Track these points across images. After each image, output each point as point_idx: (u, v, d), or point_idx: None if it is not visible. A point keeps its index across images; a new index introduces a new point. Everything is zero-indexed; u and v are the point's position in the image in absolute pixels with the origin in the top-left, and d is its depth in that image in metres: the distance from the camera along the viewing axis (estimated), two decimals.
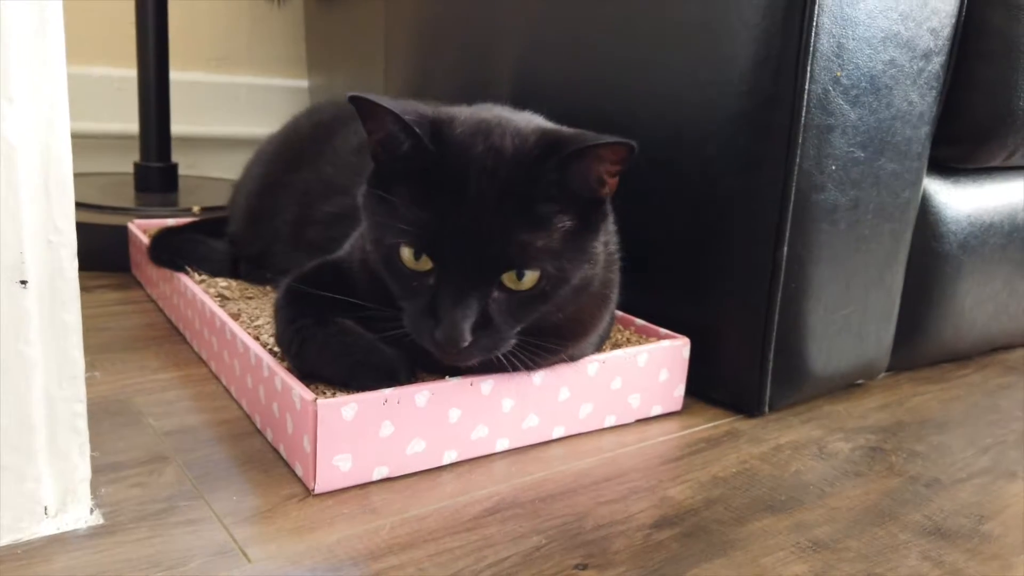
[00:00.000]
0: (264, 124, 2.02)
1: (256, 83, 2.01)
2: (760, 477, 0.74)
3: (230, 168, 1.95)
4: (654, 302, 0.93)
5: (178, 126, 1.57)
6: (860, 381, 0.99)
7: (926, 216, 0.96)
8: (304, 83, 2.05)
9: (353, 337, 0.69)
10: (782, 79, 0.78)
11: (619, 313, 0.91)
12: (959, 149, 0.97)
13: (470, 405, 0.71)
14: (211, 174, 1.87)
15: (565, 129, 0.67)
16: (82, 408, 0.58)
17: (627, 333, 0.91)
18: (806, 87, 0.77)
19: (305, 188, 0.94)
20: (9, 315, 0.54)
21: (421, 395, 0.68)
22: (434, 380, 0.70)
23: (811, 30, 0.76)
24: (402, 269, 0.63)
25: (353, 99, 0.60)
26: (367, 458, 0.67)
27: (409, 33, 1.39)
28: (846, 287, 0.88)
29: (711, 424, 0.85)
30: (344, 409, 0.64)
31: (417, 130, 0.60)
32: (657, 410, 0.86)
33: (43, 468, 0.57)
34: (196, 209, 1.40)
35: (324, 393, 0.68)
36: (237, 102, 1.99)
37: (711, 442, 0.81)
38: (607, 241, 0.71)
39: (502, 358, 0.67)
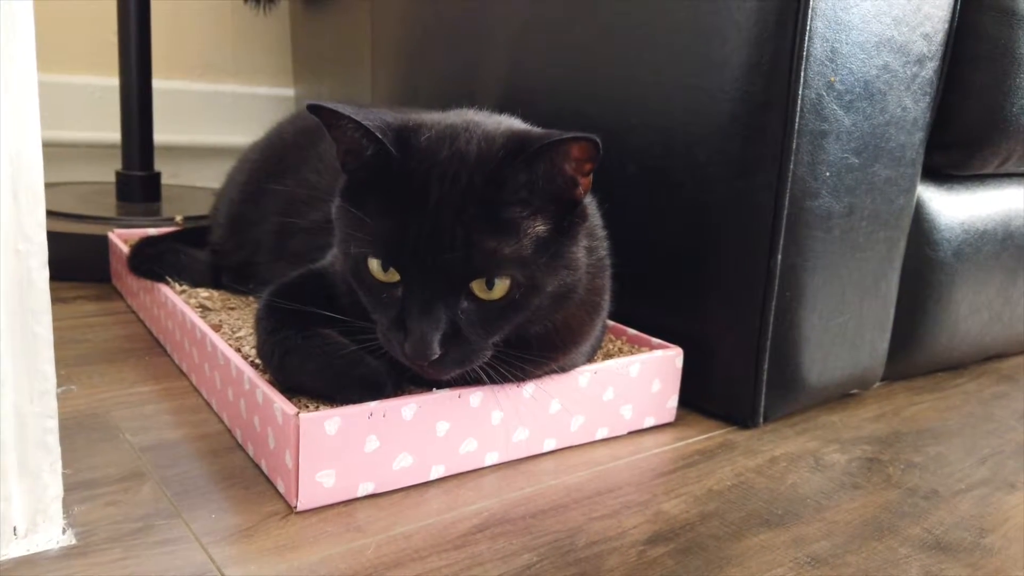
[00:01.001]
0: (249, 133, 1.98)
1: (241, 92, 1.99)
2: (756, 490, 0.72)
3: (214, 177, 1.92)
4: (646, 311, 0.91)
5: (161, 135, 1.55)
6: (855, 391, 0.98)
7: (920, 223, 0.95)
8: (290, 92, 2.03)
9: (336, 348, 0.67)
10: (775, 84, 0.77)
11: (611, 323, 0.90)
12: (953, 155, 0.96)
13: (459, 418, 0.69)
14: (195, 183, 1.85)
15: (534, 129, 0.66)
16: (54, 424, 0.56)
17: (619, 343, 0.89)
18: (799, 92, 0.76)
19: (289, 196, 0.92)
20: None
21: (408, 408, 0.66)
22: (421, 392, 0.68)
23: (804, 35, 0.75)
24: (371, 281, 0.62)
25: (312, 108, 0.59)
26: (352, 474, 0.65)
27: (395, 42, 1.37)
28: (841, 295, 0.87)
29: (705, 436, 0.84)
30: (327, 423, 0.62)
31: (379, 135, 0.59)
32: (650, 422, 0.84)
33: (12, 487, 0.55)
34: (179, 219, 1.37)
35: (307, 407, 0.66)
36: (222, 111, 1.97)
37: (705, 454, 0.79)
38: (591, 247, 0.68)
39: (486, 370, 0.65)
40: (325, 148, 0.93)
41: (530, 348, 0.68)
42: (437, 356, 0.59)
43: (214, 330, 0.83)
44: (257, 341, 0.72)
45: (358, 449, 0.64)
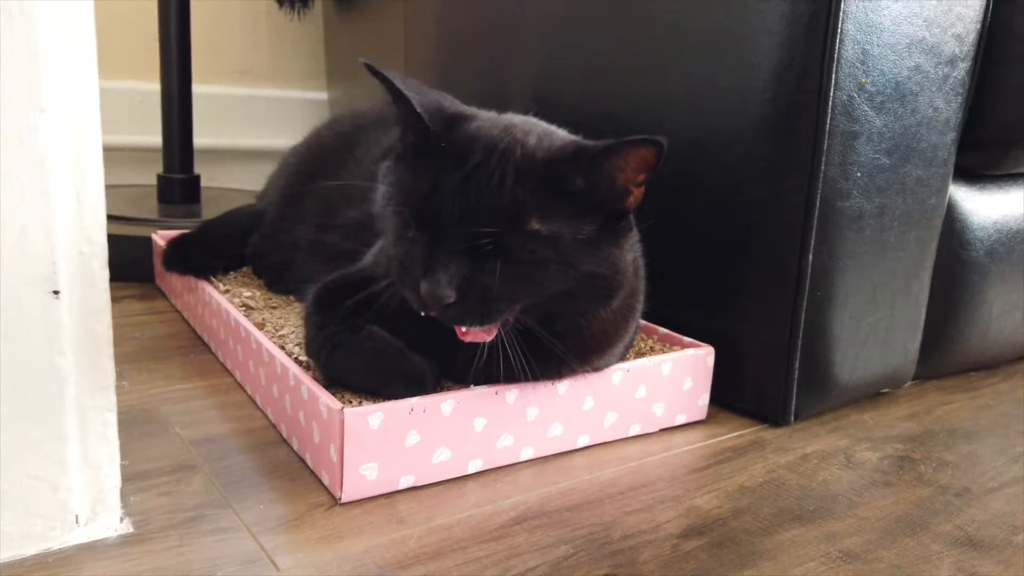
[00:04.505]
0: (284, 136, 2.04)
1: (276, 96, 2.03)
2: (788, 486, 0.74)
3: (250, 179, 1.97)
4: (677, 310, 0.92)
5: (200, 138, 1.59)
6: (886, 390, 0.98)
7: (952, 223, 0.95)
8: (324, 95, 2.07)
9: (382, 345, 0.69)
10: (806, 86, 0.78)
11: (642, 322, 0.91)
12: (985, 155, 0.96)
13: (495, 414, 0.71)
14: (232, 185, 1.89)
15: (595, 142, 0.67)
16: (113, 418, 0.59)
17: (650, 342, 0.91)
18: (831, 94, 0.77)
19: (326, 197, 0.95)
20: (42, 325, 0.54)
21: (447, 404, 0.68)
22: (459, 389, 0.70)
23: (836, 37, 0.75)
24: (401, 233, 0.63)
25: (372, 70, 0.63)
26: (393, 467, 0.67)
27: (429, 46, 1.40)
28: (872, 295, 0.88)
29: (736, 433, 0.85)
30: (371, 418, 0.64)
31: (422, 114, 0.62)
32: (681, 419, 0.85)
33: (75, 478, 0.58)
34: None
35: (350, 402, 0.68)
36: (258, 114, 2.01)
37: (737, 451, 0.81)
38: (635, 258, 0.70)
39: (520, 365, 0.67)
40: (361, 153, 0.96)
41: (565, 345, 0.69)
42: (452, 300, 0.60)
43: (257, 328, 0.86)
44: (305, 337, 0.74)
45: (399, 443, 0.66)
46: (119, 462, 0.60)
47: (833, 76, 0.76)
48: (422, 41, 1.42)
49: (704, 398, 0.86)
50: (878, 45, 0.78)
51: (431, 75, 1.40)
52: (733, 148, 0.85)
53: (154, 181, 1.57)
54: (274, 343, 0.81)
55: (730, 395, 0.90)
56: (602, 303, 0.69)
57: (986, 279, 1.00)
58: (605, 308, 0.70)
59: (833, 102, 0.77)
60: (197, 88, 1.55)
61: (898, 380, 0.97)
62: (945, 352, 1.01)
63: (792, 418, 0.87)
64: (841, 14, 0.75)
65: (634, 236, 0.73)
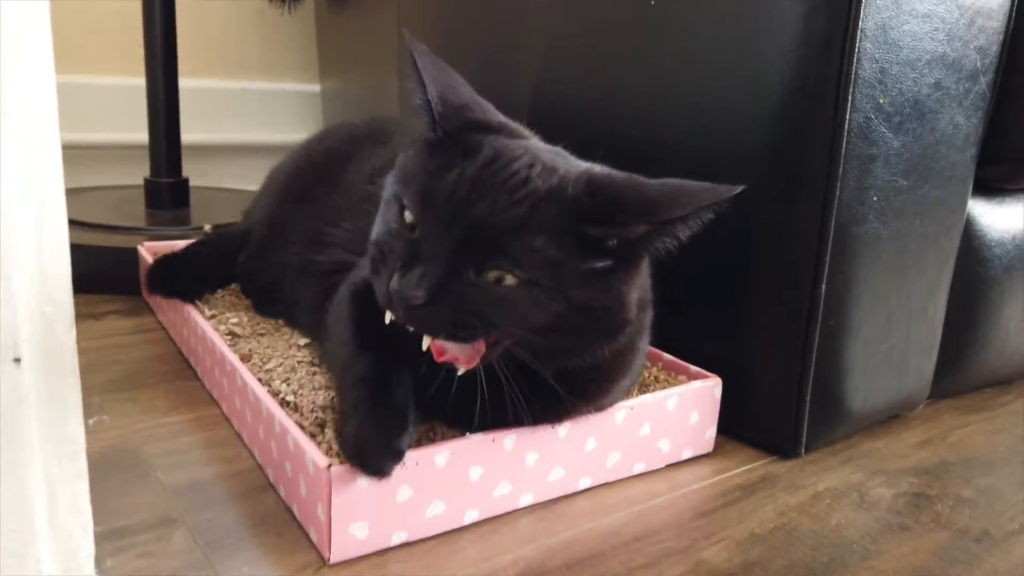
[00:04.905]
0: (275, 130, 1.99)
1: (267, 89, 1.98)
2: (800, 534, 0.70)
3: (241, 175, 1.92)
4: (683, 336, 0.88)
5: (189, 134, 1.53)
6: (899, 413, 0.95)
7: (970, 240, 0.91)
8: (316, 87, 2.01)
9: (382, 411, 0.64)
10: (821, 108, 0.73)
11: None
12: (1005, 169, 0.92)
13: (492, 462, 0.67)
14: (222, 182, 1.84)
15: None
16: (84, 487, 0.55)
17: (655, 370, 0.87)
18: (847, 116, 0.73)
19: (316, 218, 0.91)
20: (3, 395, 0.50)
21: (440, 456, 0.64)
22: (454, 438, 0.66)
23: (852, 57, 0.71)
24: (398, 220, 0.59)
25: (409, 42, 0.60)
26: (385, 524, 0.63)
27: (424, 43, 1.34)
28: (887, 321, 0.84)
29: (745, 468, 0.81)
30: (360, 477, 0.61)
31: (433, 107, 0.59)
32: (687, 453, 0.82)
33: (44, 549, 0.54)
34: (208, 228, 1.36)
35: (338, 455, 0.64)
36: (248, 108, 1.96)
37: (746, 490, 0.77)
38: (642, 291, 0.66)
39: (522, 409, 0.63)
40: (352, 171, 0.92)
41: (567, 386, 0.65)
42: (420, 301, 0.55)
43: (244, 360, 0.82)
44: (330, 341, 0.74)
45: (391, 499, 0.63)
46: (92, 529, 0.57)
47: (850, 97, 0.72)
48: (416, 32, 1.36)
49: (711, 431, 0.83)
50: (897, 63, 0.74)
51: None
52: (744, 170, 0.80)
53: (141, 181, 1.52)
54: (260, 379, 0.78)
55: (738, 425, 0.86)
56: (606, 340, 0.65)
57: (1003, 297, 0.96)
58: (609, 346, 0.66)
59: (849, 124, 0.73)
60: (185, 82, 1.50)
61: (912, 404, 0.93)
62: (960, 371, 0.98)
63: (803, 450, 0.83)
64: (859, 32, 0.70)
65: (645, 269, 0.69)
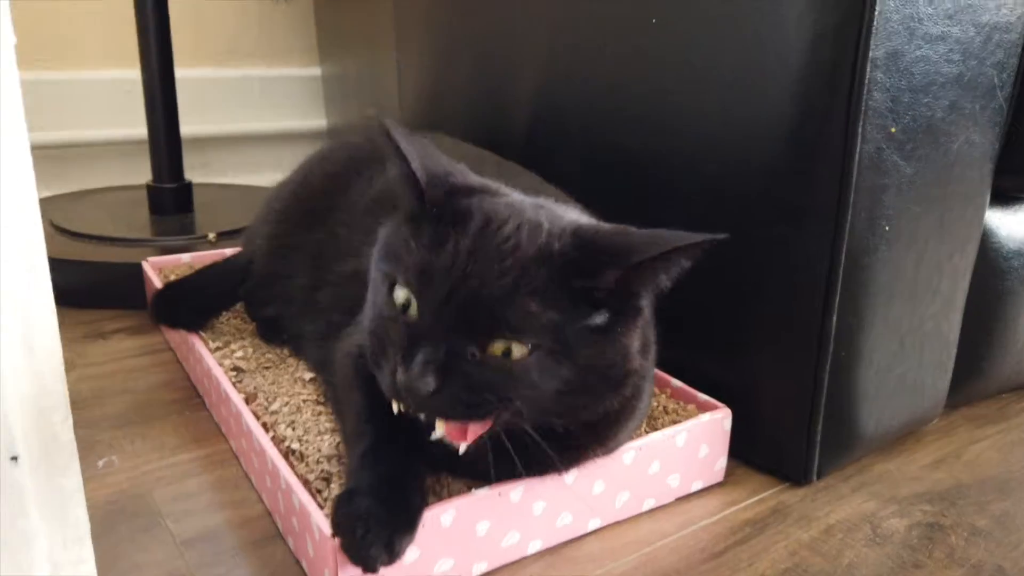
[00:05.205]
0: (277, 118, 1.97)
1: (267, 75, 1.95)
2: (811, 575, 0.70)
3: (242, 166, 1.91)
4: (691, 359, 0.87)
5: (188, 127, 1.51)
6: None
7: (986, 252, 0.89)
8: (317, 71, 1.98)
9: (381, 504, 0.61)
10: (830, 140, 0.71)
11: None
12: (1022, 178, 0.89)
13: (500, 515, 0.67)
14: (225, 174, 1.83)
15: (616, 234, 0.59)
16: (90, 568, 0.55)
17: (663, 397, 0.86)
18: (857, 147, 0.70)
19: (318, 250, 0.89)
20: (3, 493, 0.50)
21: (447, 515, 0.64)
22: (460, 496, 0.66)
23: (862, 87, 0.68)
24: (388, 303, 0.58)
25: (384, 128, 0.58)
26: None
27: (421, 34, 1.31)
28: (900, 346, 0.82)
29: (755, 498, 0.81)
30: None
31: (419, 180, 0.57)
32: (697, 486, 0.81)
33: None
34: (212, 236, 1.36)
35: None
36: (248, 96, 1.93)
37: (756, 525, 0.76)
38: (644, 343, 0.64)
39: (526, 460, 0.62)
40: (354, 195, 0.90)
41: (574, 437, 0.65)
42: (432, 389, 0.54)
43: (249, 400, 0.82)
44: (337, 401, 0.76)
45: (398, 563, 0.62)
46: None
47: (860, 129, 0.69)
48: (414, 25, 1.33)
49: (721, 462, 0.82)
50: (909, 90, 0.71)
51: (422, 69, 1.32)
52: (751, 196, 0.78)
53: (144, 178, 1.50)
54: (264, 423, 0.78)
55: (747, 451, 0.85)
56: (612, 394, 0.63)
57: (1019, 308, 0.94)
58: (615, 398, 0.65)
59: (860, 155, 0.70)
60: (182, 72, 1.46)
61: (926, 421, 0.92)
62: (976, 382, 0.96)
63: (814, 476, 0.83)
64: (868, 63, 0.67)
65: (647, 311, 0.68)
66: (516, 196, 0.64)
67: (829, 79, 0.69)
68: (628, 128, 0.90)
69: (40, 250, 0.50)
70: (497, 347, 0.55)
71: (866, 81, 0.68)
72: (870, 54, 0.67)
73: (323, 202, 0.92)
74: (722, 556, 0.72)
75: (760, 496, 0.81)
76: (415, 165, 0.57)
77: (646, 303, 0.61)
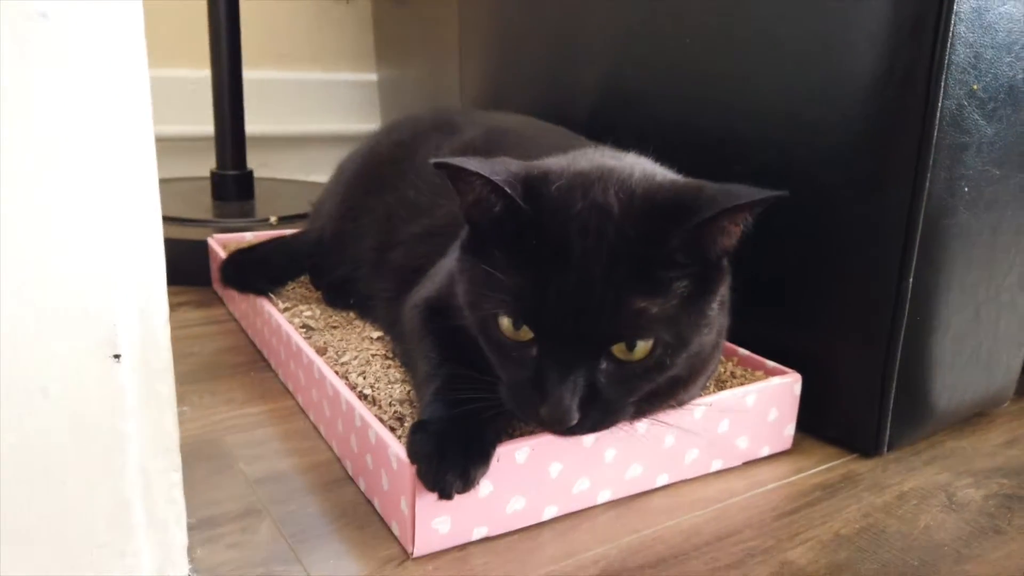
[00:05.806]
0: (333, 121, 2.01)
1: (324, 79, 2.00)
2: (887, 535, 0.68)
3: (300, 166, 1.95)
4: (760, 328, 0.86)
5: (251, 126, 1.55)
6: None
7: None
8: (373, 76, 2.02)
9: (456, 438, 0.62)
10: (910, 96, 0.71)
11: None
12: None
13: (571, 458, 0.67)
14: (283, 173, 1.87)
15: (689, 184, 0.60)
16: (178, 478, 0.56)
17: (729, 365, 0.85)
18: (939, 103, 0.70)
19: (387, 212, 0.91)
20: (102, 391, 0.51)
21: (521, 452, 0.64)
22: (534, 435, 0.66)
23: (946, 41, 0.68)
24: (501, 339, 0.58)
25: (439, 166, 0.56)
26: (466, 519, 0.63)
27: (485, 34, 1.34)
28: (975, 316, 0.81)
29: (825, 466, 0.80)
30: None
31: (508, 190, 0.55)
32: (765, 451, 0.80)
33: (141, 542, 0.55)
34: (273, 220, 1.38)
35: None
36: (306, 99, 1.98)
37: (827, 489, 0.75)
38: (723, 300, 0.64)
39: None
40: (421, 161, 0.92)
41: (655, 394, 0.65)
42: (578, 419, 0.56)
43: (320, 353, 0.83)
44: (408, 356, 0.76)
45: (472, 494, 0.63)
46: (186, 521, 0.58)
47: (942, 84, 0.69)
48: (478, 27, 1.35)
49: (790, 428, 0.81)
50: (992, 47, 0.71)
51: (487, 68, 1.34)
52: (827, 162, 0.78)
53: (206, 172, 1.55)
54: (336, 372, 0.78)
55: (815, 421, 0.84)
56: (701, 364, 0.66)
57: None
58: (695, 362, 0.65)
59: (941, 112, 0.70)
60: (246, 74, 1.51)
61: (999, 401, 0.90)
62: None
63: (885, 448, 0.81)
64: (953, 16, 0.67)
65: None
66: (579, 164, 0.62)
67: (913, 34, 0.69)
68: (706, 111, 0.90)
69: (151, 163, 0.52)
70: (621, 350, 0.56)
71: (950, 35, 0.68)
72: (954, 7, 0.67)
73: (392, 168, 0.94)
74: (794, 515, 0.71)
75: (829, 464, 0.80)
76: (499, 181, 0.55)
77: (724, 270, 0.61)
